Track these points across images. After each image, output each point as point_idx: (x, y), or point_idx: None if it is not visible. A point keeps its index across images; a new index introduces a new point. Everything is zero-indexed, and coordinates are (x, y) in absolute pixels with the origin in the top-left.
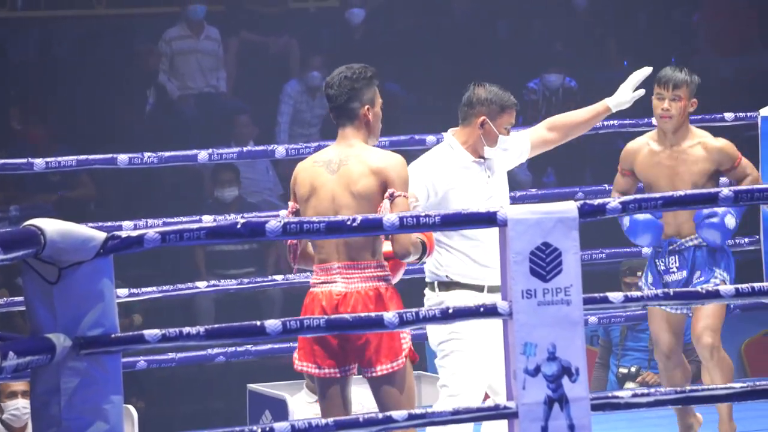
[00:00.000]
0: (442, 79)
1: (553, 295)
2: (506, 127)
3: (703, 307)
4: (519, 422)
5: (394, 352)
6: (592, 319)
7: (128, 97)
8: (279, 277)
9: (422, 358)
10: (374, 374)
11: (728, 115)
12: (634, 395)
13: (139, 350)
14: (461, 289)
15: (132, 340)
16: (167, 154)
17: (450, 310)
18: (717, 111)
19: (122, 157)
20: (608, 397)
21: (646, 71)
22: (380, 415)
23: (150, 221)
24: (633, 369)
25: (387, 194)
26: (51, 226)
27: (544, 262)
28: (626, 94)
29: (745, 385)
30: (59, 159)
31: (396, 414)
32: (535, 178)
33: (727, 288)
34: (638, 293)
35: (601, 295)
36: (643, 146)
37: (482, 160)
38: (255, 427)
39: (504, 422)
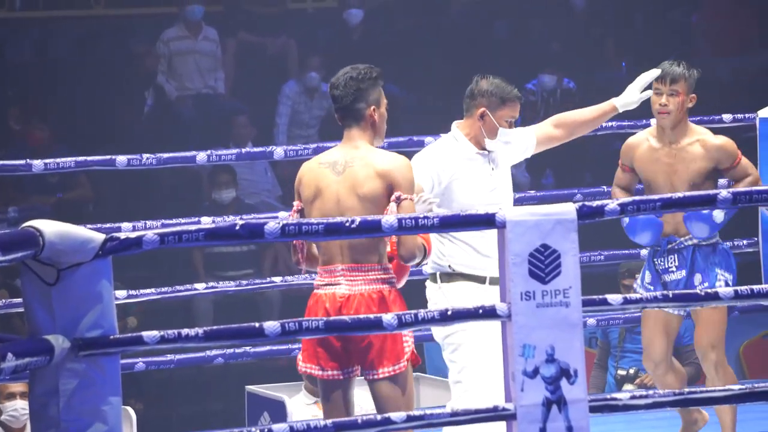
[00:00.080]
0: (440, 79)
1: (552, 297)
2: (507, 119)
3: (706, 314)
4: (517, 424)
5: (396, 355)
6: (591, 321)
7: (127, 97)
8: (277, 279)
9: (421, 359)
10: (376, 376)
11: (726, 117)
12: (633, 397)
13: (137, 352)
14: (463, 280)
15: (131, 342)
16: (166, 155)
17: (449, 312)
18: (715, 112)
19: (121, 159)
20: (607, 399)
21: (655, 73)
22: (379, 417)
23: (148, 223)
24: (631, 371)
25: (393, 197)
26: (50, 228)
27: (543, 263)
28: (634, 94)
29: (743, 387)
30: (58, 160)
31: (394, 416)
32: (533, 180)
33: (727, 290)
34: (637, 295)
35: (600, 297)
36: (643, 142)
37: (486, 152)
38: (253, 429)
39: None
